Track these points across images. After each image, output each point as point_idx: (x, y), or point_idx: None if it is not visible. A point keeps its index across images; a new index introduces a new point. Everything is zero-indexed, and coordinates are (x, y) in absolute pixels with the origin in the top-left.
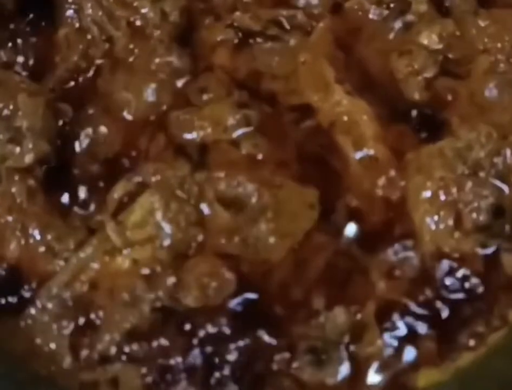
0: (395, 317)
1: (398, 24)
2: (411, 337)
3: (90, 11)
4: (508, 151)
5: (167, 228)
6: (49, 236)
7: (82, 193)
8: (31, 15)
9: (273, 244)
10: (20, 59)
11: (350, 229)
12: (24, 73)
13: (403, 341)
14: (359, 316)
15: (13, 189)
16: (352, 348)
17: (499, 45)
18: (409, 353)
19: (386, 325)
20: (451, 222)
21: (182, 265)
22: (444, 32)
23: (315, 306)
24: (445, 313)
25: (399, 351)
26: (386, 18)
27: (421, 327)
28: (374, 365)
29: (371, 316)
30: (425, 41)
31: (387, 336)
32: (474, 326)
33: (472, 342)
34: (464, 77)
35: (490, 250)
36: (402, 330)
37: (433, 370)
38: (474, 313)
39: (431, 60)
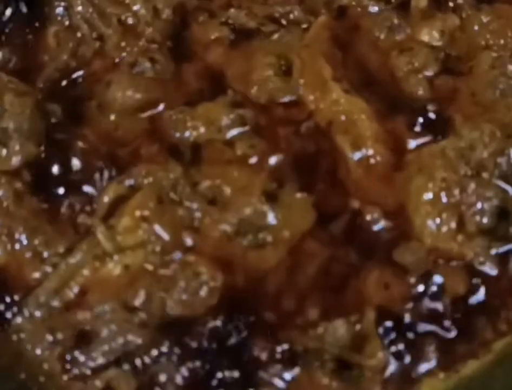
0: (396, 325)
1: (397, 21)
2: (414, 347)
3: (80, 8)
4: None
5: (159, 232)
6: (37, 241)
7: (71, 196)
8: (20, 13)
9: (267, 248)
10: (8, 58)
11: (349, 233)
12: (12, 72)
13: (405, 351)
14: (358, 327)
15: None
16: (352, 360)
17: (502, 41)
18: (412, 363)
19: (386, 334)
20: (453, 225)
21: (174, 269)
22: (445, 29)
23: (310, 315)
24: (448, 319)
25: (401, 361)
26: (385, 14)
27: (424, 336)
28: (377, 378)
29: (371, 325)
30: (426, 38)
31: (388, 347)
32: (480, 333)
33: (478, 350)
34: (466, 75)
35: (494, 253)
36: (404, 339)
37: (437, 379)
38: (480, 319)
39: (432, 57)
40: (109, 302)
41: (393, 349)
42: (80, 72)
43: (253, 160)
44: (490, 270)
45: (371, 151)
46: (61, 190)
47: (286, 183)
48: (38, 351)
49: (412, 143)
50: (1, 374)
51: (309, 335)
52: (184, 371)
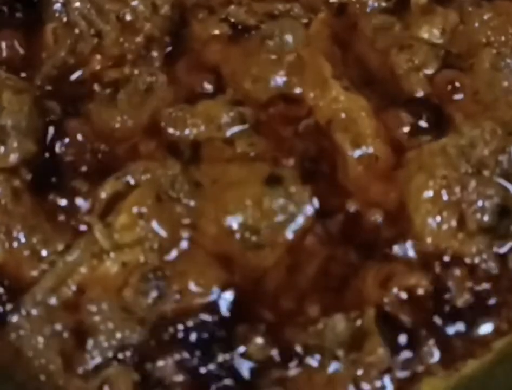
0: (396, 323)
1: (397, 18)
2: (414, 345)
3: (78, 5)
4: None
5: (157, 229)
6: (35, 239)
7: (69, 193)
8: (18, 10)
9: (265, 247)
10: (6, 55)
11: (348, 232)
12: (10, 69)
13: (405, 349)
14: (359, 323)
15: None
16: (352, 357)
17: (503, 38)
18: (412, 361)
19: (386, 332)
20: (454, 223)
21: (171, 267)
22: (445, 26)
23: (310, 313)
24: (448, 318)
25: (401, 359)
26: (385, 11)
27: (424, 334)
28: (376, 375)
29: (371, 322)
30: (426, 35)
31: (388, 344)
32: (481, 332)
33: (478, 349)
34: (466, 72)
35: (495, 251)
36: (404, 337)
37: (437, 378)
38: (480, 318)
39: (432, 54)
40: (106, 300)
41: (393, 346)
42: (78, 69)
43: (253, 158)
44: (491, 268)
45: (370, 149)
46: (59, 188)
47: (285, 181)
48: (36, 350)
49: (412, 141)
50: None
51: (309, 331)
52: (182, 368)
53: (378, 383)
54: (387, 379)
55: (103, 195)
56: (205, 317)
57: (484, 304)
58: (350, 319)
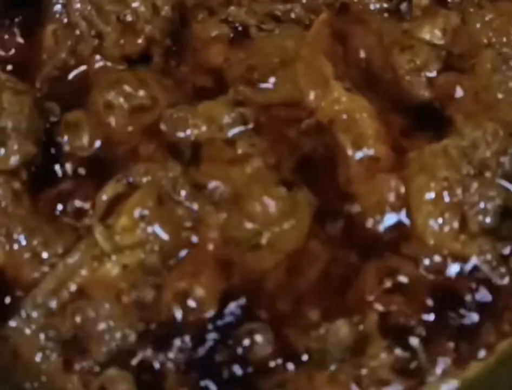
0: (399, 327)
1: (399, 18)
2: (416, 347)
3: (78, 6)
4: None
5: (158, 232)
6: (35, 242)
7: (70, 195)
8: (18, 11)
9: (265, 251)
10: (6, 56)
11: (349, 233)
12: (10, 71)
13: (408, 352)
14: (361, 327)
15: None
16: (355, 361)
17: (504, 39)
18: (415, 363)
19: (389, 336)
20: (456, 224)
21: (172, 269)
22: (446, 26)
23: (311, 316)
24: (451, 320)
25: (403, 362)
26: (387, 11)
27: (426, 337)
28: (379, 379)
29: (373, 326)
30: (427, 36)
31: (391, 348)
32: (483, 334)
33: (481, 352)
34: (468, 73)
35: (497, 253)
36: (407, 341)
37: (441, 380)
38: (483, 320)
39: (434, 55)
40: (107, 302)
41: (396, 350)
42: (78, 70)
43: (253, 158)
44: (493, 270)
45: (372, 150)
46: (59, 190)
47: (285, 182)
48: (35, 352)
49: (413, 142)
50: None
51: (311, 335)
52: (182, 370)
53: (381, 387)
54: (390, 382)
55: (104, 197)
56: (206, 319)
57: (486, 306)
58: (353, 323)
